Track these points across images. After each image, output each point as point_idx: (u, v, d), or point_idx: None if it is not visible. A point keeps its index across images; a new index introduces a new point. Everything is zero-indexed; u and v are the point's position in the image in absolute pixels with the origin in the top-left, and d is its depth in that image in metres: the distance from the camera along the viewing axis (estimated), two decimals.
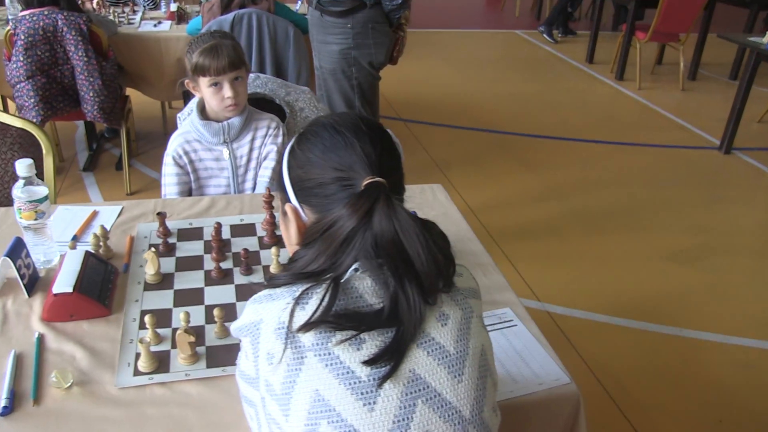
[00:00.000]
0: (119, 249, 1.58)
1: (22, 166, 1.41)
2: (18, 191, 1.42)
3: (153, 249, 1.47)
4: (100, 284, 1.41)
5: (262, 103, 2.15)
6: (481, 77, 5.87)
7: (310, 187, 0.94)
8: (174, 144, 1.94)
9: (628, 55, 5.77)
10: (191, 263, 1.54)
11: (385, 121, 4.70)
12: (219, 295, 1.44)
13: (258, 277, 1.49)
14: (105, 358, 1.25)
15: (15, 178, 1.95)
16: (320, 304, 0.84)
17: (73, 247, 1.48)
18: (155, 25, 3.59)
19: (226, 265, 1.52)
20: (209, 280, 1.48)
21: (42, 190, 1.45)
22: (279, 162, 1.95)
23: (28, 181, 1.43)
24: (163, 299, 1.42)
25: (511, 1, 8.63)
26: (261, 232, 1.65)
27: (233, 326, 0.94)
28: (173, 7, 3.72)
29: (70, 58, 3.09)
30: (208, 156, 1.95)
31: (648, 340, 2.67)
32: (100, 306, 1.36)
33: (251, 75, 2.22)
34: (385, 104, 4.99)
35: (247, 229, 1.67)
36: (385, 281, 0.86)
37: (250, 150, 1.98)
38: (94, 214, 1.73)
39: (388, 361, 0.84)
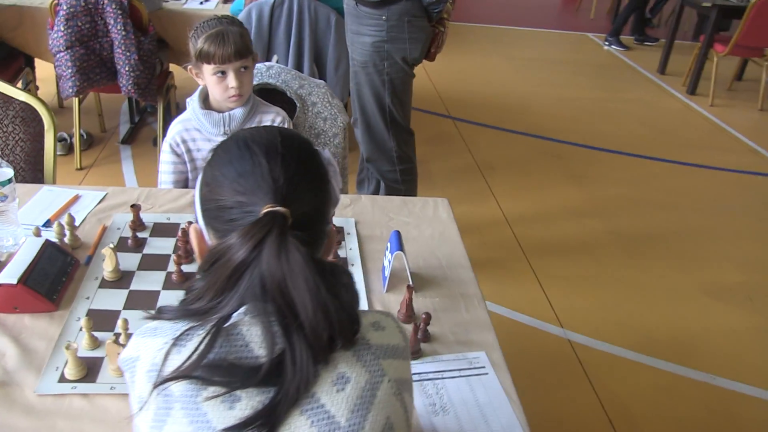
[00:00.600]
0: (89, 239, 1.51)
1: None
2: None
3: (112, 244, 1.39)
4: (53, 277, 1.33)
5: (273, 95, 2.04)
6: (542, 80, 5.62)
7: (213, 209, 0.82)
8: (173, 131, 1.86)
9: (704, 68, 5.39)
10: (156, 262, 1.45)
11: (432, 117, 4.55)
12: (173, 301, 1.34)
13: None
14: (35, 359, 1.18)
15: (18, 151, 1.91)
16: (196, 350, 0.73)
17: (37, 234, 1.42)
18: (201, 3, 3.55)
19: (191, 268, 1.43)
20: (168, 284, 1.39)
21: (4, 173, 1.38)
22: None
23: None
24: (114, 299, 1.34)
25: (588, 1, 8.27)
26: None
27: (120, 356, 0.84)
28: None
29: (109, 31, 3.07)
30: (207, 146, 1.86)
31: (675, 384, 2.45)
32: (46, 301, 1.29)
33: (264, 64, 2.12)
34: (436, 100, 4.83)
35: None
36: (271, 331, 0.74)
37: None
38: (75, 198, 1.67)
39: (261, 427, 0.71)
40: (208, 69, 1.76)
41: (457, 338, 1.30)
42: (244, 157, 0.81)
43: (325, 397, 0.74)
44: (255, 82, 2.05)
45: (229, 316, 0.75)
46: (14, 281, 1.26)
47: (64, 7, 2.96)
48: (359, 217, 1.68)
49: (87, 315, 1.24)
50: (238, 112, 1.83)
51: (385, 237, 1.59)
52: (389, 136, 2.65)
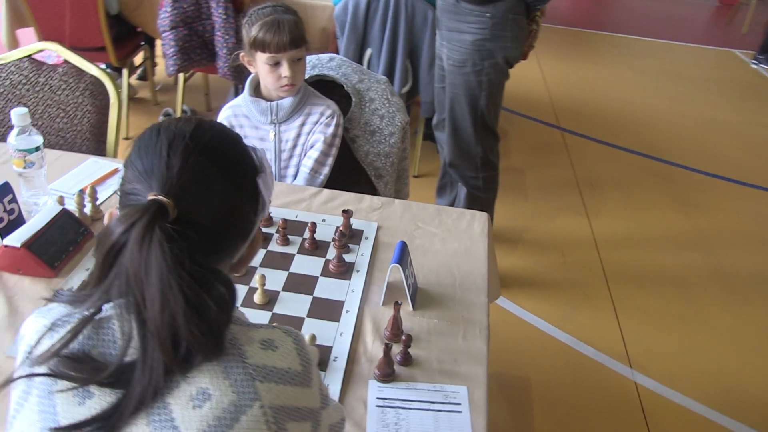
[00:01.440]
0: None
1: (16, 116, 1.41)
2: (12, 139, 1.42)
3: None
4: (60, 245, 1.36)
5: (331, 87, 1.99)
6: (670, 96, 5.19)
7: (120, 193, 0.79)
8: (222, 116, 1.86)
9: None
10: None
11: (538, 126, 4.33)
12: None
13: None
14: (18, 321, 1.20)
15: (85, 122, 2.00)
16: (62, 338, 0.70)
17: (61, 202, 1.46)
18: None
19: None
20: None
21: (34, 141, 1.43)
22: (324, 153, 1.80)
23: (23, 130, 1.42)
24: None
25: (742, 13, 7.54)
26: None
27: None
28: None
29: (212, 14, 3.17)
30: (254, 134, 1.85)
31: None
32: (47, 267, 1.32)
33: (326, 55, 2.07)
34: (547, 108, 4.60)
35: None
36: (126, 329, 0.69)
37: (298, 135, 1.84)
38: (115, 171, 1.70)
39: (99, 430, 0.67)
40: (261, 57, 1.74)
41: (442, 367, 1.19)
42: (151, 143, 0.77)
43: (178, 410, 0.68)
44: (314, 73, 2.01)
45: (100, 307, 0.71)
46: (18, 244, 1.30)
47: None
48: (385, 222, 1.59)
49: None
50: (287, 102, 1.80)
51: (410, 247, 1.49)
52: (477, 141, 2.52)
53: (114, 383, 0.69)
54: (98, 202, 1.54)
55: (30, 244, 1.31)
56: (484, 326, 1.29)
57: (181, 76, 3.58)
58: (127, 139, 3.64)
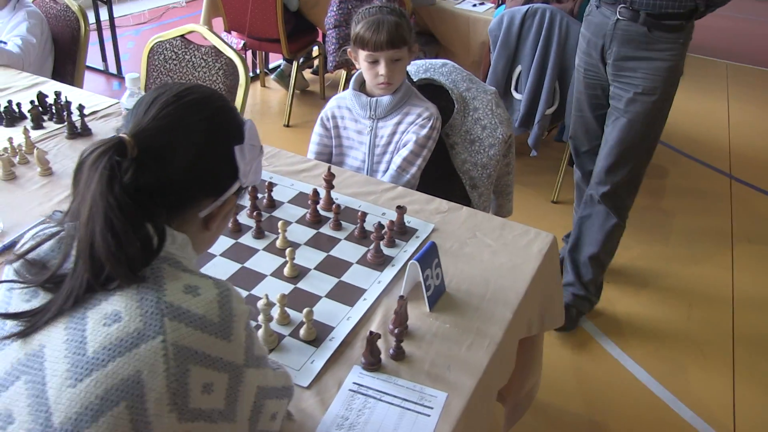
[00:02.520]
0: None
1: (129, 79, 1.61)
2: (124, 99, 1.63)
3: None
4: None
5: (439, 92, 2.01)
6: None
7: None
8: (328, 106, 1.97)
9: None
10: None
11: (705, 170, 3.96)
12: None
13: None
14: None
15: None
16: (29, 246, 0.84)
17: None
18: (474, 5, 3.61)
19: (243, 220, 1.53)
20: None
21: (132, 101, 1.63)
22: (414, 153, 1.83)
23: (133, 93, 1.63)
24: None
25: None
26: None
27: None
28: None
29: None
30: (353, 127, 1.93)
31: None
32: None
33: (439, 61, 2.09)
34: (721, 152, 4.19)
35: (299, 199, 1.63)
36: (67, 244, 0.82)
37: (393, 133, 1.89)
38: None
39: (23, 324, 0.79)
40: (362, 54, 1.82)
41: (431, 370, 1.17)
42: (146, 96, 0.89)
43: (91, 324, 0.78)
44: (424, 76, 2.05)
45: (63, 225, 0.85)
46: None
47: None
48: (444, 225, 1.58)
49: None
50: (386, 99, 1.86)
51: (456, 253, 1.48)
52: (641, 168, 2.37)
53: (51, 289, 0.81)
54: None
55: None
56: (496, 341, 1.24)
57: (343, 72, 3.78)
58: (287, 126, 3.94)
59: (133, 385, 0.75)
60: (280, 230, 1.45)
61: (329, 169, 1.60)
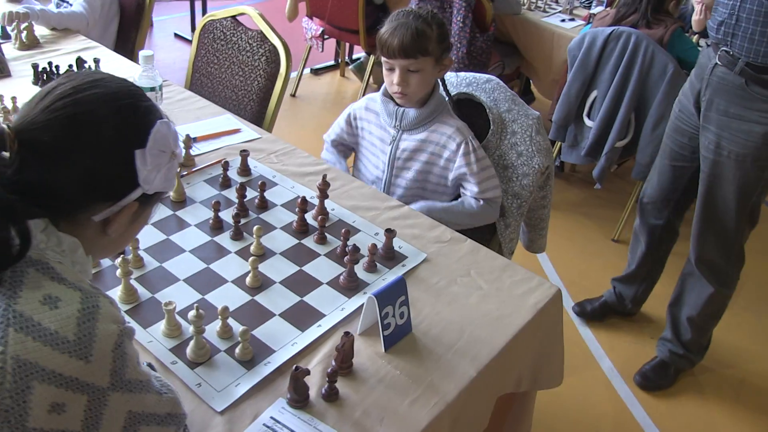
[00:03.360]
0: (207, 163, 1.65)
1: (142, 57, 1.57)
2: (136, 76, 1.59)
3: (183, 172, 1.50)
4: None
5: (479, 109, 1.87)
6: None
7: None
8: (358, 104, 1.87)
9: None
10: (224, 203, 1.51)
11: None
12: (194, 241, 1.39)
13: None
14: None
15: (255, 85, 2.17)
16: None
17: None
18: (563, 20, 3.39)
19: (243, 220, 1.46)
20: (204, 227, 1.44)
21: (153, 81, 1.59)
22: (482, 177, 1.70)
23: (145, 70, 1.59)
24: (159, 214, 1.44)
25: None
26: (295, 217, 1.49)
27: None
28: (595, 9, 3.44)
29: (451, 19, 3.19)
30: (377, 132, 1.82)
31: None
32: None
33: (484, 75, 1.93)
34: None
35: (291, 205, 1.54)
36: None
37: (416, 149, 1.76)
38: (235, 131, 1.82)
39: None
40: (382, 58, 1.71)
41: (361, 420, 1.06)
42: (51, 83, 0.83)
43: None
44: (464, 91, 1.90)
45: None
46: None
47: None
48: (437, 257, 1.45)
49: None
50: (412, 112, 1.74)
51: (439, 291, 1.35)
52: (737, 232, 2.07)
53: None
54: (195, 152, 1.66)
55: None
56: (446, 401, 1.11)
57: None
58: None
59: None
60: (254, 235, 1.36)
61: (324, 177, 1.50)
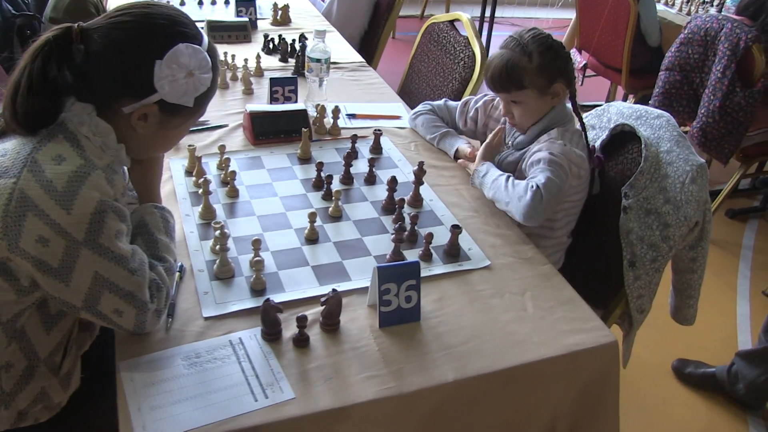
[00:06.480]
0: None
1: (316, 31, 1.79)
2: (309, 45, 1.81)
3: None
4: (276, 127, 1.75)
5: (634, 143, 1.71)
6: None
7: None
8: (488, 97, 1.84)
9: None
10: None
11: None
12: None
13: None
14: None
15: (450, 85, 2.28)
16: None
17: (321, 110, 1.81)
18: None
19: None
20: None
21: (321, 54, 1.80)
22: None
23: (317, 43, 1.79)
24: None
25: None
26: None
27: None
28: None
29: (711, 68, 2.89)
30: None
31: None
32: (252, 135, 1.71)
33: (657, 111, 1.73)
34: None
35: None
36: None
37: (511, 162, 1.68)
38: (395, 117, 1.94)
39: None
40: None
41: (311, 371, 1.10)
42: None
43: None
44: (628, 122, 1.74)
45: None
46: (248, 110, 1.72)
47: (685, 31, 2.92)
48: (501, 269, 1.39)
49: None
50: (519, 136, 1.69)
51: (475, 297, 1.31)
52: None
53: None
54: (344, 125, 1.82)
55: (255, 115, 1.71)
56: (401, 391, 1.08)
57: None
58: None
59: None
60: (333, 197, 1.47)
61: (421, 165, 1.53)
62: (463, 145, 1.77)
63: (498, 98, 1.79)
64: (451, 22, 2.35)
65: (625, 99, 3.91)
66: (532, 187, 1.47)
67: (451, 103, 1.88)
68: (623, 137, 1.75)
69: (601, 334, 1.26)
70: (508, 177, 1.56)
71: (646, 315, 1.74)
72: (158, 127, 1.09)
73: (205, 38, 1.10)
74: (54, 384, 1.13)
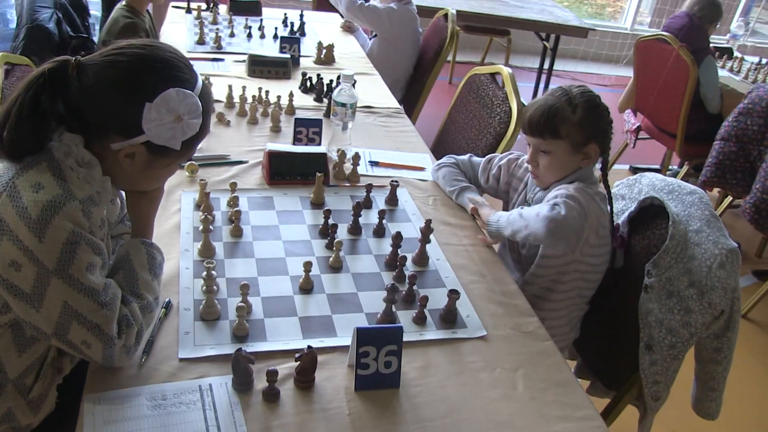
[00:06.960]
0: None
1: (344, 76, 1.78)
2: (335, 93, 1.81)
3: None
4: (293, 168, 1.74)
5: (659, 214, 1.62)
6: None
7: None
8: (516, 156, 1.79)
9: None
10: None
11: None
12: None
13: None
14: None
15: (484, 140, 2.25)
16: None
17: (340, 156, 1.80)
18: None
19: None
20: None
21: (347, 98, 1.79)
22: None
23: (344, 88, 1.79)
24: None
25: None
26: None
27: None
28: None
29: None
30: (519, 188, 1.74)
31: None
32: (268, 174, 1.71)
33: (691, 186, 1.64)
34: None
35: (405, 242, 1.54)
36: None
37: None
38: (419, 168, 1.91)
39: None
40: None
41: (267, 425, 1.06)
42: None
43: None
44: (657, 195, 1.65)
45: None
46: (267, 148, 1.73)
47: (746, 101, 2.81)
48: (497, 341, 1.32)
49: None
50: (539, 193, 1.64)
51: (463, 370, 1.25)
52: None
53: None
54: (365, 172, 1.80)
55: (274, 154, 1.71)
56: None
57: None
58: None
59: None
60: (334, 248, 1.45)
61: (428, 222, 1.49)
62: (478, 197, 1.73)
63: (522, 157, 1.75)
64: (493, 75, 2.31)
65: (680, 165, 3.78)
66: (549, 201, 1.48)
67: (476, 159, 1.85)
68: (652, 211, 1.66)
69: (592, 425, 1.18)
70: (521, 208, 1.56)
71: (662, 403, 1.63)
72: (145, 166, 1.09)
73: (200, 82, 1.10)
74: (21, 405, 1.12)
